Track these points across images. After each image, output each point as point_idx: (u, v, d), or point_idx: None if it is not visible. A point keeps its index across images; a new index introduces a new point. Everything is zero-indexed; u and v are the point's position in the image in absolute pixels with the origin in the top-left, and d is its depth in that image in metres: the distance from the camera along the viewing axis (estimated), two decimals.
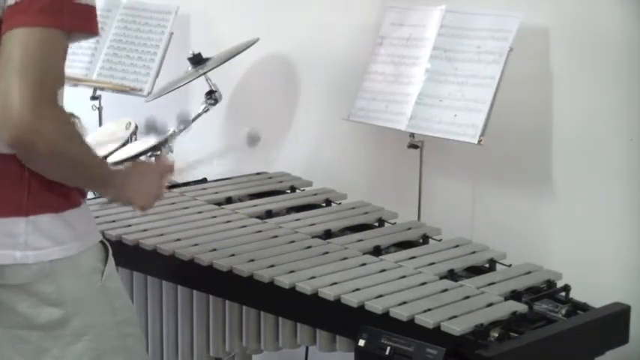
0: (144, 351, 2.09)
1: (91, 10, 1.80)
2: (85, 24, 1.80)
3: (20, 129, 1.70)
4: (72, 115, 2.10)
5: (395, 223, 2.76)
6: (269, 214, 2.79)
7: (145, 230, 2.57)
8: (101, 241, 1.96)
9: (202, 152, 3.77)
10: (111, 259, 1.96)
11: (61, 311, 1.86)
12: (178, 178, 2.14)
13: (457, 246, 2.55)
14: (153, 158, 3.25)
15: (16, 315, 1.85)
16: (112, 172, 1.99)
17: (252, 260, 2.36)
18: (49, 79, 1.73)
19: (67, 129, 1.79)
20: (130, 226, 2.60)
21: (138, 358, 2.03)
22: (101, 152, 3.11)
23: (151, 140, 3.38)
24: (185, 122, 2.99)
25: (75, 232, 1.88)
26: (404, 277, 2.29)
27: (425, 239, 2.63)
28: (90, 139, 2.88)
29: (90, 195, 3.08)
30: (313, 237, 2.58)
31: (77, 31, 1.79)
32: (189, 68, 3.35)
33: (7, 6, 1.74)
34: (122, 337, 1.97)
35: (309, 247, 2.50)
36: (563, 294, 2.28)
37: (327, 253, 2.45)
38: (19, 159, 1.80)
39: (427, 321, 2.02)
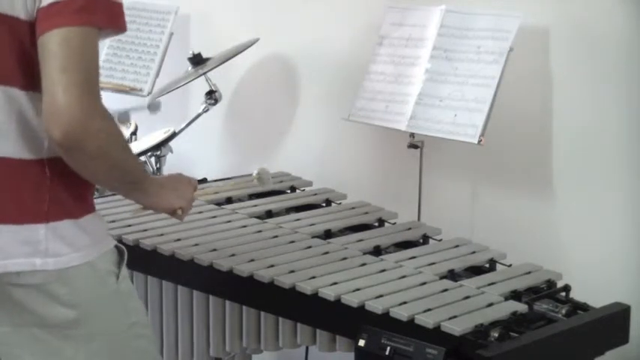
0: (157, 353, 2.09)
1: (120, 7, 1.82)
2: (117, 22, 1.81)
3: (70, 125, 1.70)
4: None
5: (395, 223, 2.76)
6: (269, 214, 2.79)
7: (145, 230, 2.57)
8: (115, 245, 1.96)
9: (202, 152, 3.79)
10: (124, 262, 1.96)
11: (75, 312, 1.86)
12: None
13: (457, 246, 2.55)
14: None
15: (30, 314, 1.85)
16: (148, 179, 1.99)
17: (252, 260, 2.36)
18: (92, 76, 1.74)
19: (114, 128, 1.80)
20: (130, 226, 2.60)
21: None
22: None
23: (152, 140, 3.39)
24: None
25: (92, 237, 1.88)
26: (404, 277, 2.29)
27: (425, 239, 2.63)
28: None
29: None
30: (313, 237, 2.58)
31: (110, 28, 1.81)
32: (189, 68, 3.35)
33: (40, 7, 1.74)
34: (135, 339, 1.97)
35: (309, 247, 2.50)
36: (563, 294, 2.28)
37: (327, 253, 2.45)
38: (38, 165, 1.81)
39: (427, 321, 2.02)
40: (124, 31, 1.85)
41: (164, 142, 3.38)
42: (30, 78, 1.77)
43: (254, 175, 2.44)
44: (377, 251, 2.48)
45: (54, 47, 1.72)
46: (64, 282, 1.84)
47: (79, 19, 1.73)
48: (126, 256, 1.97)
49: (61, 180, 1.83)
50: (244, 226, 2.65)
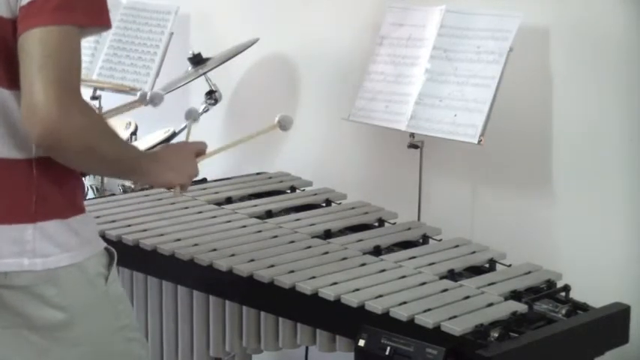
0: (147, 357, 2.08)
1: (102, 3, 1.81)
2: (99, 18, 1.80)
3: (48, 126, 1.69)
4: None
5: (395, 223, 2.75)
6: (269, 214, 2.79)
7: (145, 230, 2.57)
8: (105, 248, 1.96)
9: None
10: (114, 265, 1.96)
11: (65, 315, 1.85)
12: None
13: (457, 246, 2.55)
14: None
15: (18, 315, 1.84)
16: (142, 161, 1.97)
17: (252, 260, 2.36)
18: (70, 75, 1.73)
19: (95, 123, 1.79)
20: (130, 226, 2.60)
21: None
22: None
23: (152, 140, 3.39)
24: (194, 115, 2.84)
25: (81, 238, 1.87)
26: (404, 277, 2.29)
27: (425, 239, 2.63)
28: None
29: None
30: (313, 237, 2.58)
31: (92, 26, 1.80)
32: (189, 68, 3.35)
33: (21, 6, 1.74)
34: (125, 342, 1.96)
35: (309, 247, 2.50)
36: (563, 294, 2.28)
37: (327, 253, 2.45)
38: (25, 164, 1.80)
39: (427, 321, 2.02)
40: (109, 28, 1.85)
41: (164, 142, 3.38)
42: (15, 77, 1.76)
43: (276, 121, 2.48)
44: (377, 251, 2.48)
45: (31, 47, 1.71)
46: (53, 283, 1.83)
47: (56, 18, 1.72)
48: (115, 259, 1.96)
49: (49, 180, 1.82)
50: (244, 226, 2.65)
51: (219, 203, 2.87)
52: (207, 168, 3.55)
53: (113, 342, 1.94)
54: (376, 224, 2.75)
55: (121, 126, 3.50)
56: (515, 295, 2.21)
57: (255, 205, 2.84)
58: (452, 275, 2.33)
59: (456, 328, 1.99)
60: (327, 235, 2.61)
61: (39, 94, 1.69)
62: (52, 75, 1.70)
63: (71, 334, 1.87)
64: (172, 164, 2.05)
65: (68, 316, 1.86)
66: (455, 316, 2.04)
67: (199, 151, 2.16)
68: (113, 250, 1.97)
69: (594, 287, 2.44)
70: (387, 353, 2.03)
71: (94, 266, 1.90)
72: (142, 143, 3.39)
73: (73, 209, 1.87)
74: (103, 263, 1.93)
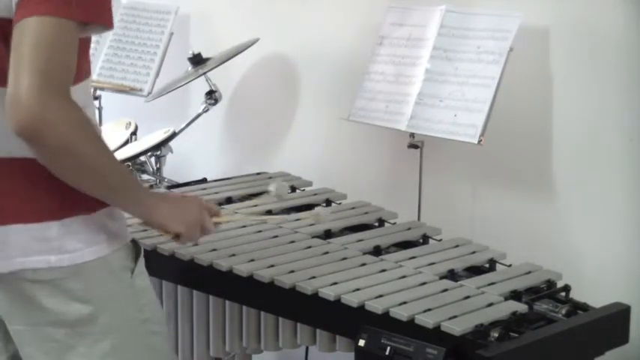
0: (170, 351, 2.08)
1: (105, 2, 1.78)
2: (97, 16, 1.76)
3: (27, 116, 1.65)
4: None
5: (395, 223, 2.75)
6: (269, 214, 2.79)
7: (145, 230, 2.56)
8: (132, 240, 1.96)
9: (202, 152, 3.79)
10: (141, 258, 1.96)
11: (89, 308, 1.86)
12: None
13: (457, 246, 2.55)
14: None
15: (44, 311, 1.85)
16: (138, 187, 1.92)
17: (252, 260, 2.36)
18: (57, 68, 1.69)
19: (78, 123, 1.72)
20: (130, 226, 2.59)
21: (164, 358, 2.03)
22: None
23: (152, 140, 3.39)
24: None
25: (107, 232, 1.88)
26: (404, 277, 2.29)
27: (425, 239, 2.63)
28: None
29: None
30: (313, 237, 2.58)
31: (89, 22, 1.75)
32: (189, 68, 3.35)
33: (20, 1, 1.72)
34: (148, 335, 1.97)
35: (309, 247, 2.50)
36: (563, 294, 2.28)
37: (327, 253, 2.45)
38: None
39: (427, 321, 2.02)
40: (110, 28, 1.81)
41: (164, 142, 3.38)
42: None
43: (273, 191, 2.37)
44: (377, 251, 2.48)
45: (24, 35, 1.68)
46: (78, 277, 1.84)
47: (53, 8, 1.69)
48: (142, 252, 1.96)
49: None
50: (244, 226, 2.65)
51: (219, 203, 2.86)
52: (207, 168, 3.57)
53: (137, 335, 1.94)
54: (376, 224, 2.75)
55: (121, 126, 3.50)
56: (515, 295, 2.21)
57: (255, 205, 2.84)
58: (452, 275, 2.33)
59: (456, 328, 1.99)
60: (327, 235, 2.61)
61: (23, 83, 1.66)
62: (37, 67, 1.66)
63: (95, 328, 1.88)
64: (176, 207, 1.98)
65: (92, 309, 1.86)
66: (455, 316, 2.04)
67: (212, 211, 2.06)
68: (139, 242, 1.97)
69: (594, 287, 2.44)
70: (387, 353, 2.03)
71: (118, 259, 1.91)
72: (142, 143, 3.39)
73: (98, 203, 1.86)
74: (129, 256, 1.94)
